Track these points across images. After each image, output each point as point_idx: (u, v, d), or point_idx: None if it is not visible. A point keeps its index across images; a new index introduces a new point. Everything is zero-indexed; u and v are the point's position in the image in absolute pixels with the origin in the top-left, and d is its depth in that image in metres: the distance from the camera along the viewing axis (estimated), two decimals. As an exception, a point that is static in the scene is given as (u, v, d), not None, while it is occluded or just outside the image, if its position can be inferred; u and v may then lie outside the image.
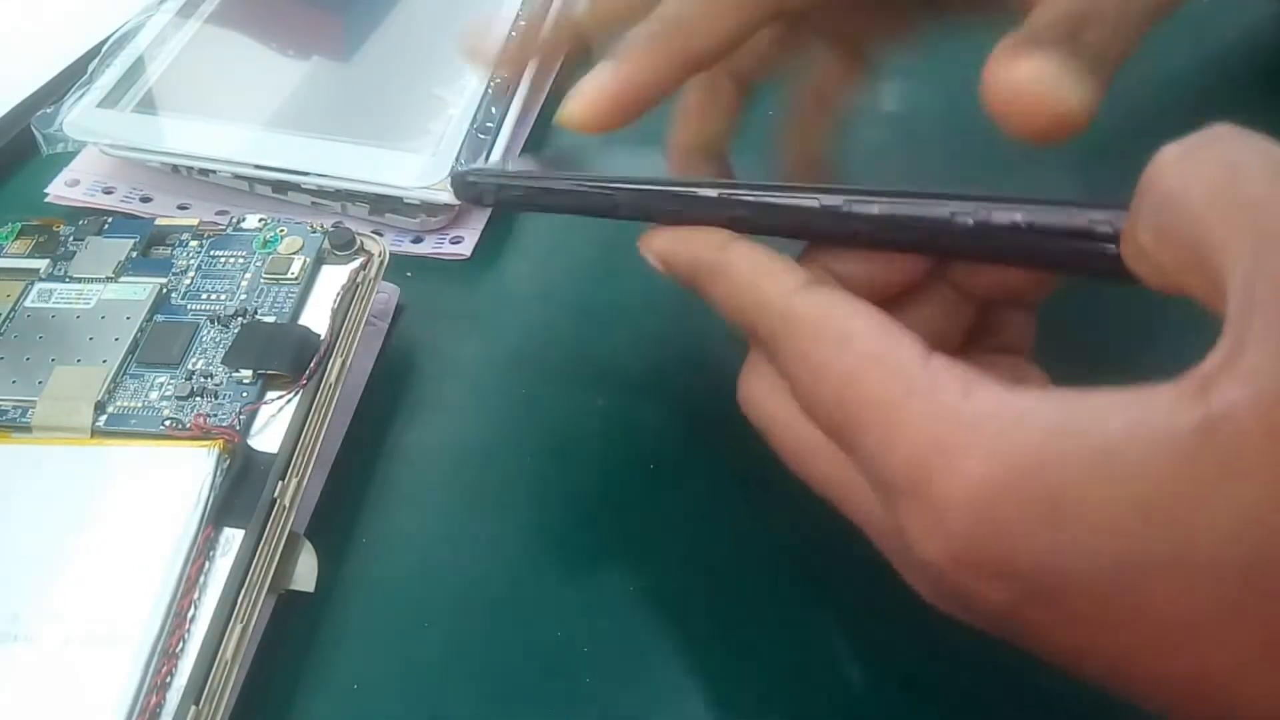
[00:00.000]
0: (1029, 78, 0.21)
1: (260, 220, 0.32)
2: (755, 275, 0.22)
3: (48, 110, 0.37)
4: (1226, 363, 0.15)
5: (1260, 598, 0.15)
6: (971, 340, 0.25)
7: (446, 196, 0.35)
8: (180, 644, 0.22)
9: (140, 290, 0.30)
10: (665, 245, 0.24)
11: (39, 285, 0.30)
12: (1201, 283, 0.16)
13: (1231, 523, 0.14)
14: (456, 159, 0.36)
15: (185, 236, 0.32)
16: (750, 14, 0.25)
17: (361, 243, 0.31)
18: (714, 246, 0.23)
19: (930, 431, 0.17)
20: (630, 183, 0.24)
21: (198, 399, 0.27)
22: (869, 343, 0.19)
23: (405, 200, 0.35)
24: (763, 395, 0.23)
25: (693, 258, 0.23)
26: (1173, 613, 0.15)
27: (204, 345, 0.28)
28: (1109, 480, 0.15)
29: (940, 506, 0.17)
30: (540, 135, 0.40)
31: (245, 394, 0.27)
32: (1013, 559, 0.16)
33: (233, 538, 0.24)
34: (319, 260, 0.31)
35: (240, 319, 0.29)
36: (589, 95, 0.25)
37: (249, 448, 0.26)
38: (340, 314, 0.29)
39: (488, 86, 0.39)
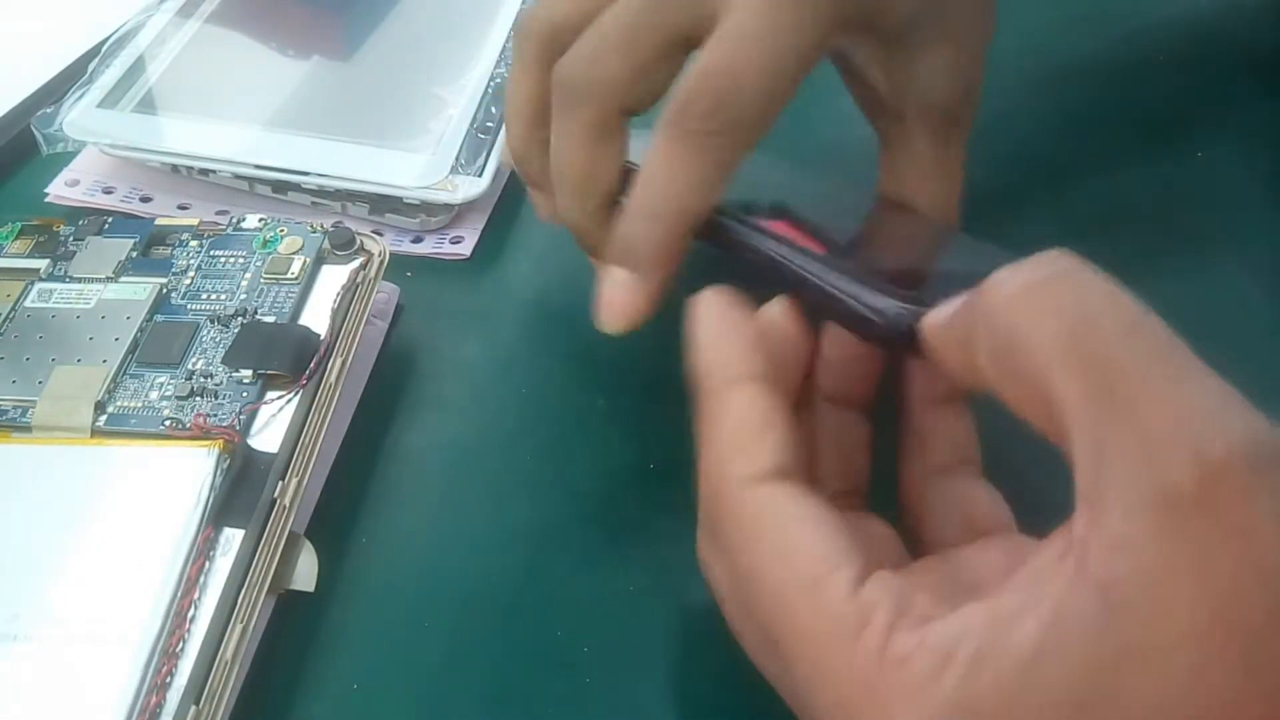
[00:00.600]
0: None
1: (260, 220, 0.32)
2: (734, 439, 0.21)
3: (48, 110, 0.37)
4: (1091, 528, 0.15)
5: None
6: (915, 454, 0.24)
7: (447, 196, 0.35)
8: (180, 644, 0.23)
9: (140, 290, 0.30)
10: (704, 328, 0.23)
11: (39, 285, 0.30)
12: (1044, 422, 0.17)
13: (1143, 710, 0.15)
14: (456, 160, 0.36)
15: (185, 236, 0.32)
16: (732, 158, 0.24)
17: (361, 242, 0.31)
18: (723, 378, 0.22)
19: (857, 676, 0.17)
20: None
21: (198, 399, 0.27)
22: (805, 563, 0.19)
23: (405, 200, 0.35)
24: (721, 572, 0.22)
25: (707, 367, 0.22)
26: None
27: (204, 345, 0.28)
28: (1033, 707, 0.15)
29: None
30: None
31: (245, 394, 0.27)
32: None
33: (233, 538, 0.24)
34: (319, 260, 0.31)
35: (240, 319, 0.29)
36: (622, 310, 0.26)
37: (249, 448, 0.26)
38: (340, 314, 0.29)
39: (488, 86, 0.39)
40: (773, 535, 0.19)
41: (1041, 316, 0.17)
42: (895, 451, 0.25)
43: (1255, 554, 0.14)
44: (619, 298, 0.25)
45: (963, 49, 0.27)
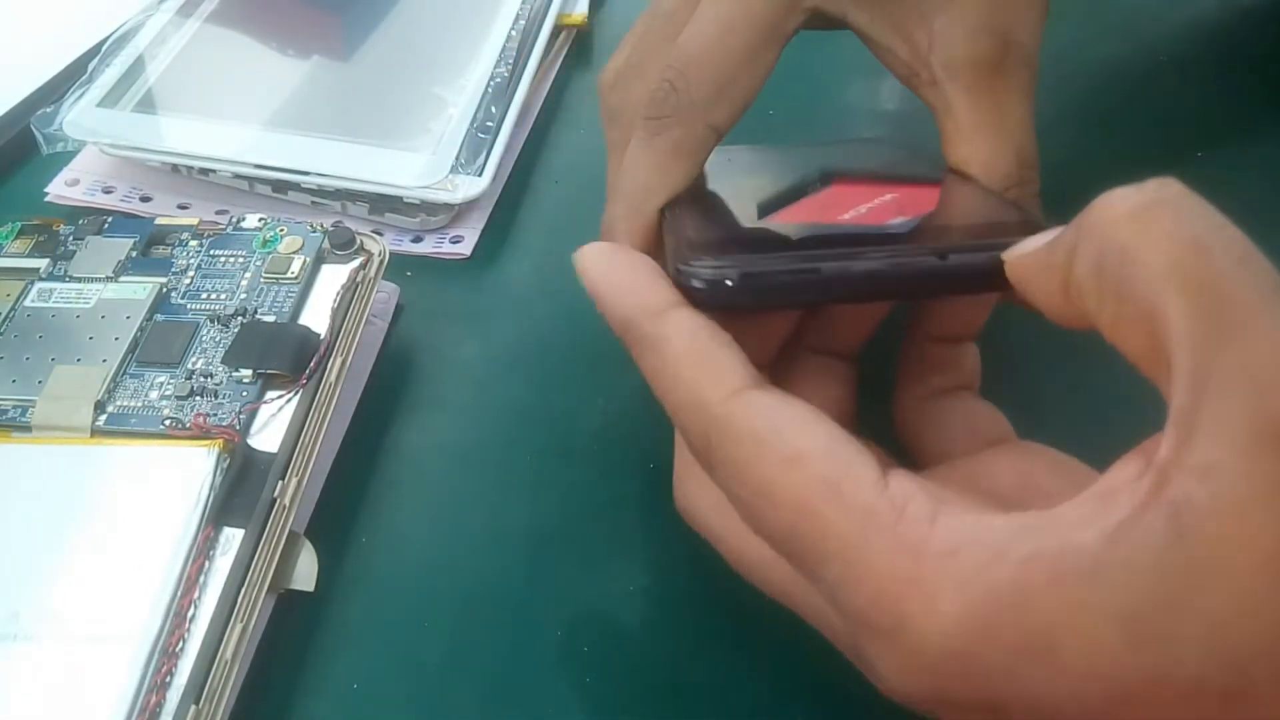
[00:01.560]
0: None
1: (260, 220, 0.32)
2: (692, 365, 0.20)
3: (47, 110, 0.37)
4: (1179, 452, 0.15)
5: (1237, 711, 0.15)
6: (916, 378, 0.25)
7: (446, 195, 0.35)
8: (180, 643, 0.23)
9: (140, 290, 0.30)
10: (597, 281, 0.22)
11: (39, 285, 0.30)
12: (1141, 346, 0.16)
13: (1206, 638, 0.14)
14: (456, 160, 0.36)
15: (185, 236, 0.32)
16: (690, 142, 0.25)
17: (361, 242, 0.31)
18: (650, 312, 0.21)
19: (899, 568, 0.17)
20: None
21: (198, 398, 0.27)
22: (821, 464, 0.18)
23: (405, 199, 0.35)
24: (708, 508, 0.22)
25: (624, 317, 0.21)
26: None
27: (204, 345, 0.28)
28: (1088, 607, 0.15)
29: (918, 649, 0.16)
30: (540, 135, 0.40)
31: (245, 393, 0.27)
32: (998, 695, 0.16)
33: (233, 537, 0.24)
34: (319, 260, 0.31)
35: (240, 318, 0.29)
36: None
37: (249, 447, 0.26)
38: (340, 313, 0.29)
39: (488, 86, 0.39)
40: (776, 443, 0.18)
41: (1156, 236, 0.16)
42: (890, 380, 0.25)
43: None
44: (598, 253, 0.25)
45: None
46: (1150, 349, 0.16)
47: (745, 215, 0.26)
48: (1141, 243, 0.16)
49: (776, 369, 0.25)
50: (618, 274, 0.22)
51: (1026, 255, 0.20)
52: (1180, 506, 0.15)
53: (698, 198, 0.26)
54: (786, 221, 0.25)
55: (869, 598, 0.17)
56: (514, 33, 0.41)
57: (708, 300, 0.21)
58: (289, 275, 0.30)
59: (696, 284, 0.21)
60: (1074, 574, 0.15)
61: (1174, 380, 0.16)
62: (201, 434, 0.26)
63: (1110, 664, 0.15)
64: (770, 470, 0.18)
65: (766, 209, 0.26)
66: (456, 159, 0.36)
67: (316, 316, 0.29)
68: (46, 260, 0.31)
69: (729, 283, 0.21)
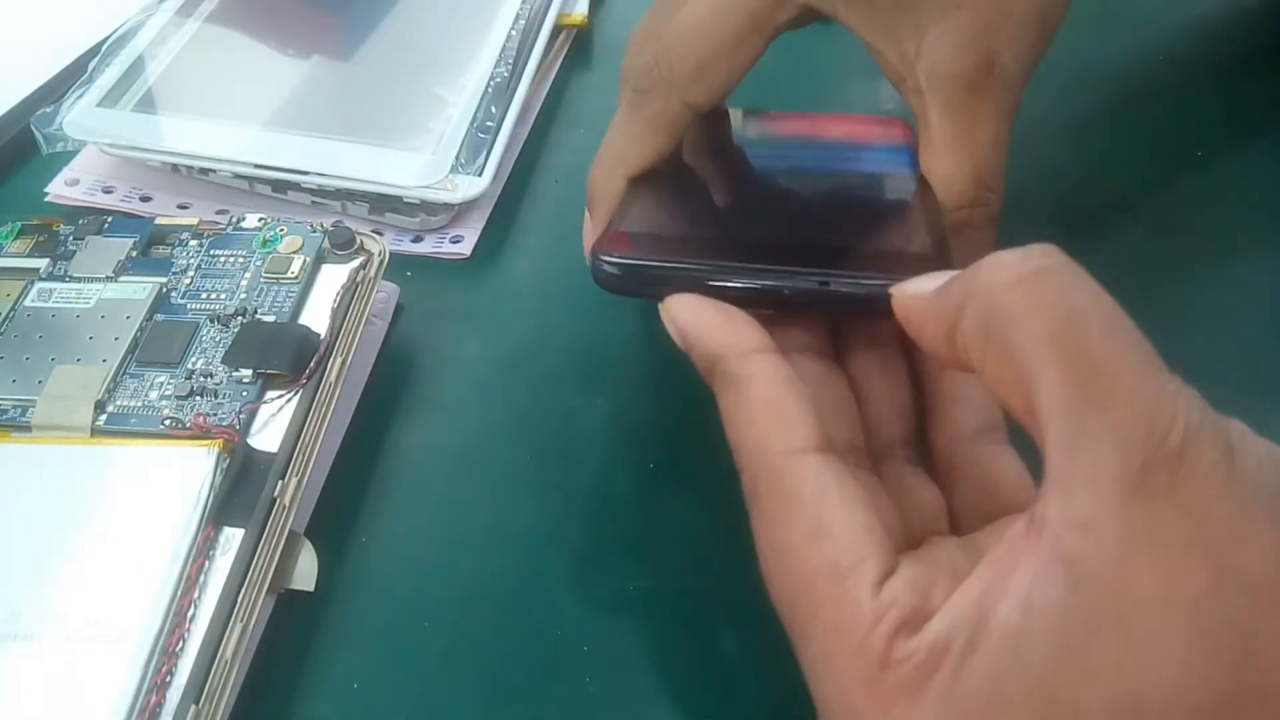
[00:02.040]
0: None
1: (260, 219, 0.32)
2: (765, 411, 0.21)
3: (47, 109, 0.37)
4: (1061, 509, 0.16)
5: None
6: (941, 422, 0.25)
7: (447, 195, 0.35)
8: (180, 643, 0.22)
9: (140, 289, 0.30)
10: (688, 324, 0.23)
11: (39, 284, 0.30)
12: (1019, 405, 0.18)
13: (1110, 683, 0.16)
14: (456, 160, 0.36)
15: (185, 236, 0.32)
16: (665, 115, 0.28)
17: (361, 242, 0.31)
18: (738, 351, 0.22)
19: (857, 678, 0.18)
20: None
21: (197, 398, 0.27)
22: (838, 549, 0.19)
23: (405, 199, 0.35)
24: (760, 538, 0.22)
25: (712, 353, 0.22)
26: None
27: (204, 344, 0.28)
28: (1017, 673, 0.16)
29: None
30: (540, 134, 0.40)
31: (245, 393, 0.27)
32: None
33: (233, 537, 0.24)
34: (319, 259, 0.31)
35: (240, 318, 0.29)
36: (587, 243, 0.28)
37: (249, 447, 0.26)
38: (340, 313, 0.29)
39: (488, 85, 0.39)
40: (810, 512, 0.19)
41: (1038, 305, 0.18)
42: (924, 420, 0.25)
43: (1204, 528, 0.16)
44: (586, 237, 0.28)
45: (982, 15, 0.26)
46: (1027, 409, 0.18)
47: (696, 196, 0.29)
48: (1024, 311, 0.18)
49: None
50: (709, 315, 0.23)
51: (915, 298, 0.21)
52: (1071, 561, 0.16)
53: (665, 175, 0.29)
54: (724, 206, 0.28)
55: (832, 693, 0.18)
56: (514, 32, 0.41)
57: (606, 286, 0.25)
58: (289, 275, 0.30)
59: (598, 273, 0.25)
60: (1000, 655, 0.16)
61: (1048, 441, 0.17)
62: (201, 434, 0.26)
63: None
64: (794, 535, 0.20)
65: (724, 186, 0.29)
66: (456, 159, 0.36)
67: (316, 316, 0.29)
68: (46, 260, 0.31)
69: (617, 274, 0.24)
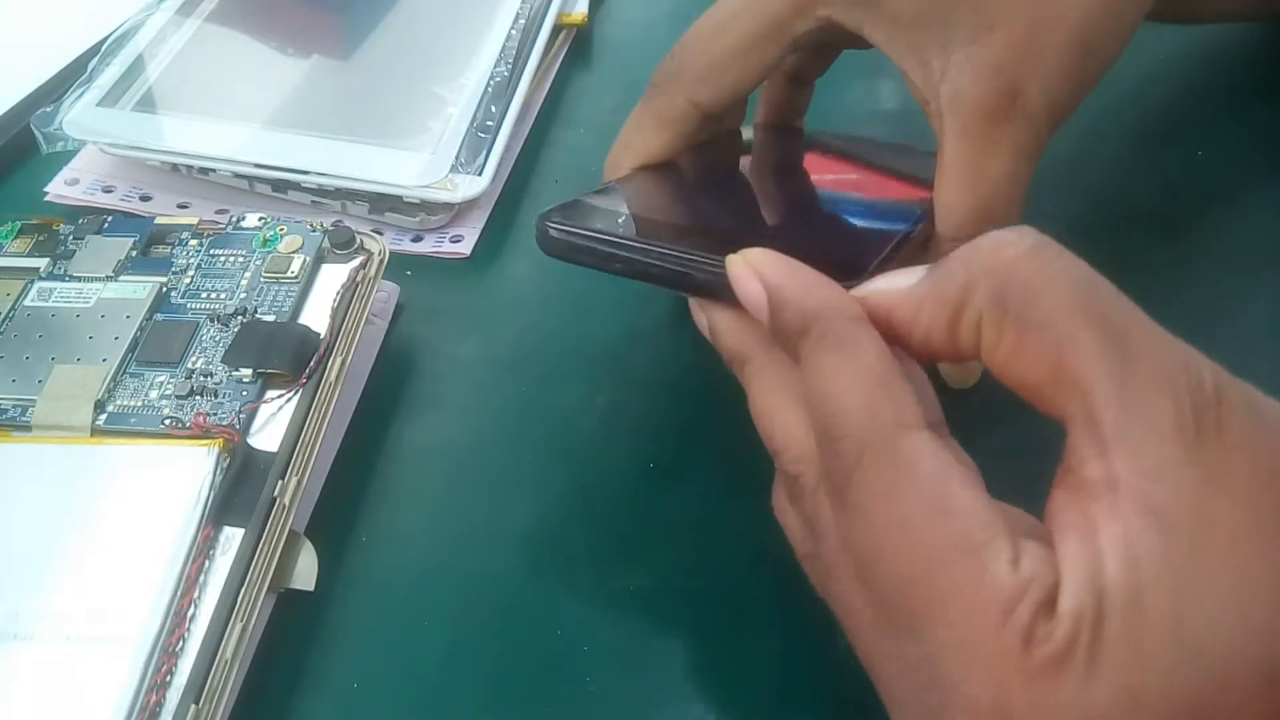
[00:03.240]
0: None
1: (260, 219, 0.32)
2: (878, 381, 0.19)
3: (47, 109, 0.37)
4: (1127, 463, 0.17)
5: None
6: None
7: (446, 195, 0.35)
8: (180, 643, 0.22)
9: (140, 289, 0.30)
10: (781, 276, 0.21)
11: (39, 284, 0.30)
12: (1042, 374, 0.18)
13: (1229, 633, 0.16)
14: (456, 159, 0.36)
15: (185, 235, 0.32)
16: (669, 110, 0.28)
17: (361, 241, 0.31)
18: (846, 314, 0.20)
19: (1001, 660, 0.17)
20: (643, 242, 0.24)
21: (197, 398, 0.27)
22: (968, 524, 0.18)
23: (405, 199, 0.35)
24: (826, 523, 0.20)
25: (815, 311, 0.20)
26: None
27: (204, 344, 0.28)
28: (1147, 644, 0.16)
29: None
30: (540, 134, 0.40)
31: (245, 393, 0.27)
32: None
33: (233, 536, 0.24)
34: (319, 259, 0.31)
35: (240, 318, 0.29)
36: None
37: (249, 446, 0.26)
38: (340, 313, 0.29)
39: (487, 85, 0.39)
40: (933, 487, 0.18)
41: (1055, 276, 0.18)
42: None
43: (1260, 462, 0.17)
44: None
45: (1013, 41, 0.25)
46: (1054, 377, 0.18)
47: (673, 190, 0.29)
48: (1046, 281, 0.18)
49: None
50: (804, 274, 0.21)
51: (895, 292, 0.20)
52: (1158, 511, 0.16)
53: (663, 170, 0.29)
54: (696, 202, 0.28)
55: (970, 676, 0.17)
56: (514, 32, 0.41)
57: (544, 248, 0.25)
58: (289, 274, 0.30)
59: (538, 229, 0.25)
60: (1130, 619, 0.16)
61: (1095, 401, 0.17)
62: (201, 433, 0.26)
63: (1181, 689, 0.16)
64: (915, 509, 0.18)
65: (710, 187, 0.29)
66: (456, 158, 0.36)
67: (316, 316, 0.29)
68: (46, 260, 0.31)
69: (552, 234, 0.24)
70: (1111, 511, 0.17)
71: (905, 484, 0.18)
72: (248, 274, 0.30)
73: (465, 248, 0.35)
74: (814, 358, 0.20)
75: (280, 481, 0.25)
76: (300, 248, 0.31)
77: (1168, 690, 0.16)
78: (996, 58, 0.25)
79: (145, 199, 0.37)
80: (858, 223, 0.29)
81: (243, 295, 0.30)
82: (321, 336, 0.28)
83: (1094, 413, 0.17)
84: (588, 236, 0.24)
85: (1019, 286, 0.18)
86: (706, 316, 0.23)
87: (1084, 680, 0.16)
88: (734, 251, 0.22)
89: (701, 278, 0.23)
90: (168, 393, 0.27)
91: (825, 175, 0.32)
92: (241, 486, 0.25)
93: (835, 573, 0.20)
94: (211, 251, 0.31)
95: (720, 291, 0.22)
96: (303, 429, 0.26)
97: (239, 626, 0.23)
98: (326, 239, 0.31)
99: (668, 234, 0.25)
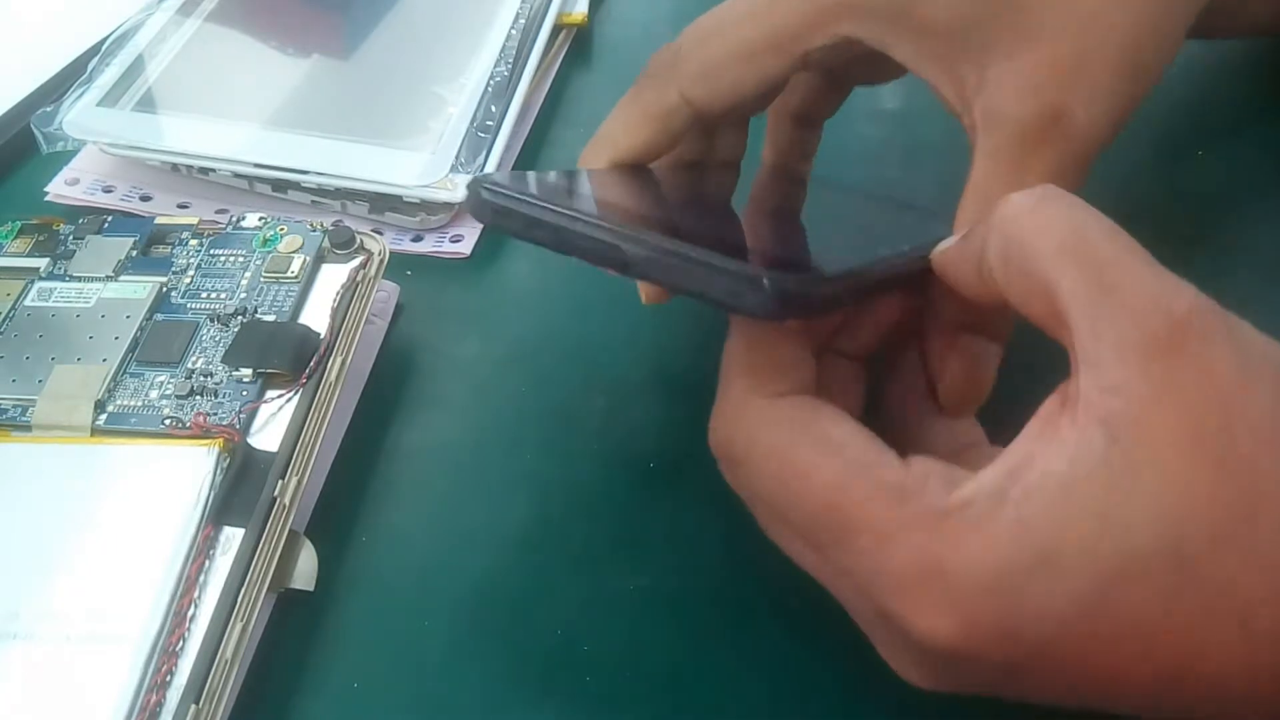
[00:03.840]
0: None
1: (260, 219, 0.32)
2: (767, 364, 0.22)
3: (47, 109, 0.37)
4: (1092, 379, 0.18)
5: (1185, 576, 0.18)
6: (897, 400, 0.26)
7: (446, 195, 0.35)
8: (180, 642, 0.23)
9: (140, 289, 0.30)
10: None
11: (39, 284, 0.30)
12: (1043, 311, 0.20)
13: (1152, 519, 0.18)
14: (456, 159, 0.36)
15: (185, 235, 0.32)
16: (658, 105, 0.27)
17: (361, 241, 0.31)
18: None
19: (925, 531, 0.19)
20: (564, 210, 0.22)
21: (198, 398, 0.27)
22: (855, 450, 0.20)
23: (405, 199, 0.35)
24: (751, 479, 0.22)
25: None
26: (1139, 614, 0.18)
27: (204, 344, 0.28)
28: (1072, 519, 0.18)
29: (956, 586, 0.19)
30: (540, 134, 0.40)
31: (245, 392, 0.27)
32: (1020, 620, 0.18)
33: (233, 536, 0.24)
34: (319, 259, 0.31)
35: (240, 318, 0.29)
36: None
37: (249, 446, 0.26)
38: (340, 312, 0.29)
39: (487, 85, 0.39)
40: (820, 432, 0.21)
41: (1045, 225, 0.20)
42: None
43: (1213, 379, 0.18)
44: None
45: (1057, 57, 0.23)
46: (1050, 313, 0.20)
47: (637, 181, 0.27)
48: (1036, 231, 0.20)
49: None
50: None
51: (945, 250, 0.23)
52: (1107, 419, 0.18)
53: (636, 171, 0.27)
54: (654, 192, 0.27)
55: (902, 562, 0.19)
56: (514, 32, 0.41)
57: (473, 209, 0.23)
58: (289, 274, 0.30)
59: (469, 190, 0.23)
60: (1057, 497, 0.18)
61: (1073, 331, 0.19)
62: (201, 433, 0.26)
63: (1092, 561, 0.18)
64: (810, 455, 0.21)
65: (680, 185, 0.28)
66: (456, 158, 0.36)
67: (316, 316, 0.29)
68: (46, 259, 0.31)
69: (483, 195, 0.22)
70: (1067, 419, 0.19)
71: (797, 435, 0.21)
72: (248, 274, 0.30)
73: (465, 248, 0.35)
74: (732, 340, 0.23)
75: (280, 481, 0.25)
76: (300, 247, 0.31)
77: (1082, 559, 0.18)
78: (1038, 74, 0.23)
79: (145, 199, 0.37)
80: (828, 244, 0.28)
81: (243, 295, 0.30)
82: (321, 336, 0.28)
83: (1073, 340, 0.19)
84: (518, 200, 0.22)
85: (1014, 240, 0.20)
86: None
87: (1007, 546, 0.18)
88: (674, 236, 0.21)
89: (634, 253, 0.21)
90: (168, 393, 0.27)
91: (818, 212, 0.31)
92: (241, 486, 0.25)
93: (773, 528, 0.22)
94: (211, 251, 0.31)
95: (653, 270, 0.21)
96: (303, 429, 0.26)
97: (239, 626, 0.23)
98: (326, 239, 0.31)
99: (609, 213, 0.23)
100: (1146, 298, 0.19)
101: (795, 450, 0.21)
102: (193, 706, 0.21)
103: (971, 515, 0.19)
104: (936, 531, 0.19)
